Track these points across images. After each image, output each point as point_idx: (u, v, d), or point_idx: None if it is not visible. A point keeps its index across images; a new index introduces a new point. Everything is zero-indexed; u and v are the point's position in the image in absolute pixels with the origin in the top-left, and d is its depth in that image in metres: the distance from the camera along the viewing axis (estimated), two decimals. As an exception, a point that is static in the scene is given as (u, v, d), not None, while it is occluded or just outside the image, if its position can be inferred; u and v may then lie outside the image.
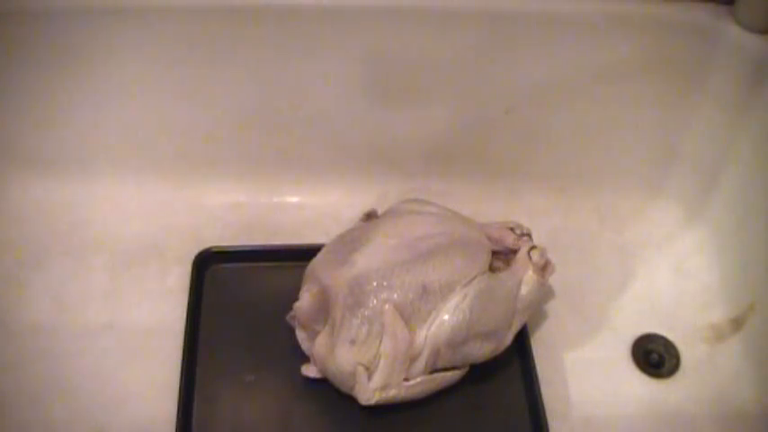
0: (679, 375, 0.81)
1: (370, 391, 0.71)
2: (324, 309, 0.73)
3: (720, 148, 0.87)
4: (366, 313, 0.70)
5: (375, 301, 0.70)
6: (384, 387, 0.71)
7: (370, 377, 0.71)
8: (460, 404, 0.76)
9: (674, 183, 0.92)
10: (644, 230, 0.92)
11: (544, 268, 0.77)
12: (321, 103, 0.89)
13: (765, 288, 0.80)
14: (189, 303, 0.81)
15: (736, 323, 0.82)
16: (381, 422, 0.75)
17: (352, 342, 0.70)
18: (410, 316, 0.71)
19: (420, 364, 0.72)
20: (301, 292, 0.75)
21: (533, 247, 0.78)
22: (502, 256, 0.79)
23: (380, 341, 0.70)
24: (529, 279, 0.76)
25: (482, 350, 0.74)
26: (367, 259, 0.72)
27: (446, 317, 0.72)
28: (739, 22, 0.81)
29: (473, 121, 0.90)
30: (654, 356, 0.82)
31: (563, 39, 0.84)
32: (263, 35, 0.83)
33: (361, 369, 0.71)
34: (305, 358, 0.77)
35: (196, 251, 0.85)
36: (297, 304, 0.75)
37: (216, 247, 0.86)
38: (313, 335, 0.75)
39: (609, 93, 0.87)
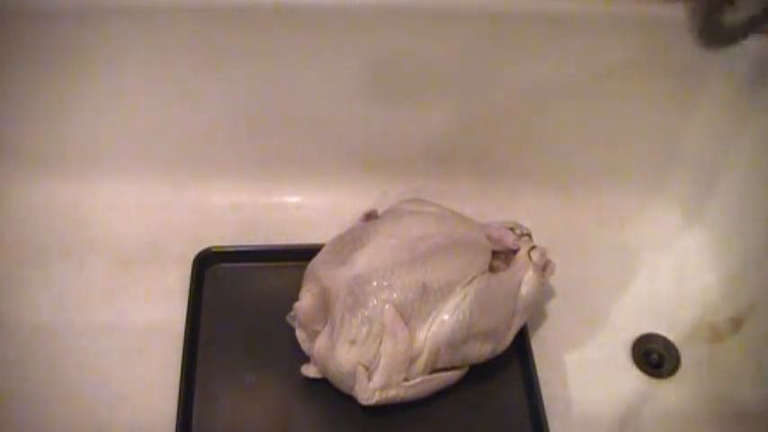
0: (679, 375, 0.81)
1: (370, 391, 0.71)
2: (324, 309, 0.73)
3: (720, 148, 0.87)
4: (366, 313, 0.70)
5: (375, 302, 0.70)
6: (384, 387, 0.71)
7: (370, 377, 0.71)
8: (460, 404, 0.76)
9: (674, 183, 0.92)
10: (644, 230, 0.92)
11: (544, 268, 0.77)
12: (321, 103, 0.89)
13: (765, 288, 0.80)
14: (189, 303, 0.81)
15: (736, 323, 0.82)
16: (381, 422, 0.75)
17: (353, 342, 0.70)
18: (410, 316, 0.71)
19: (420, 364, 0.72)
20: (301, 292, 0.75)
21: (533, 247, 0.78)
22: (502, 256, 0.79)
23: (380, 341, 0.70)
24: (529, 279, 0.76)
25: (482, 350, 0.74)
26: (367, 259, 0.72)
27: (446, 317, 0.72)
28: (740, 23, 0.81)
29: (473, 122, 0.90)
30: (654, 356, 0.82)
31: (563, 39, 0.84)
32: (263, 35, 0.83)
33: (361, 369, 0.71)
34: (305, 358, 0.77)
35: (196, 251, 0.85)
36: (297, 304, 0.75)
37: (216, 247, 0.86)
38: (313, 335, 0.74)
39: (609, 93, 0.87)
